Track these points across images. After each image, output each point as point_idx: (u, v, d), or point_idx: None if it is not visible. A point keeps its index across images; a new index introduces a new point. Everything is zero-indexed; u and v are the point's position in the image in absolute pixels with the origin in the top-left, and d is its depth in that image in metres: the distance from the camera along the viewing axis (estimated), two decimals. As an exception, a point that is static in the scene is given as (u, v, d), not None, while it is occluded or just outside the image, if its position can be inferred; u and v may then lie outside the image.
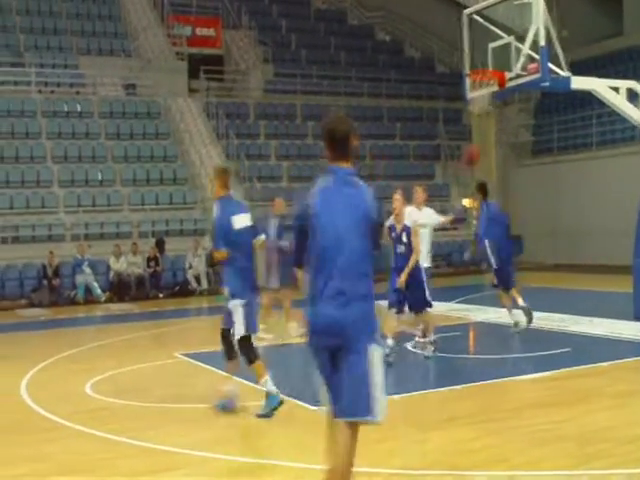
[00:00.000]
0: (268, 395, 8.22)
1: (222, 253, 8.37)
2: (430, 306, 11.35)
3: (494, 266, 13.21)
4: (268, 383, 8.23)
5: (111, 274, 22.41)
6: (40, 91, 27.16)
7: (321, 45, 34.35)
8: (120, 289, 22.37)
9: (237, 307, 8.23)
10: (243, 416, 8.39)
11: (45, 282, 21.67)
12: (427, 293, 11.22)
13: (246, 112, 29.77)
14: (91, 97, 27.55)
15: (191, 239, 23.47)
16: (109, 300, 21.90)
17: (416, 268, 11.03)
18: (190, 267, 23.16)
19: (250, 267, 8.53)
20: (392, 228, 11.09)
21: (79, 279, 21.91)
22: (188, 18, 32.39)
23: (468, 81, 15.17)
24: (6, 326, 17.85)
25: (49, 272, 21.64)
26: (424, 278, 11.25)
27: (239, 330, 8.23)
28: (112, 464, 6.93)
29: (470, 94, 15.34)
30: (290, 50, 33.77)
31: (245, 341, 8.28)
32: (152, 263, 22.87)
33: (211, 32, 32.81)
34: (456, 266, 26.26)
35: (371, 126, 30.26)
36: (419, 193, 12.47)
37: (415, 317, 11.56)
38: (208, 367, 11.10)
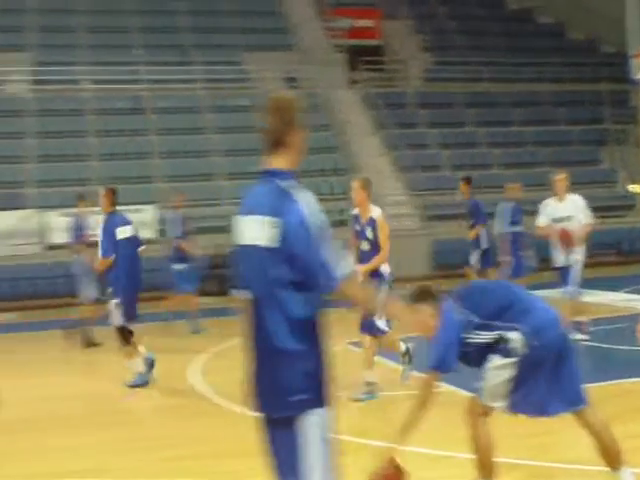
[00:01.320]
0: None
1: (108, 260, 10.38)
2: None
3: None
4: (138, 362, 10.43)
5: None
6: (206, 88, 28.10)
7: (480, 31, 33.88)
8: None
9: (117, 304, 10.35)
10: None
11: (214, 272, 22.40)
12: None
13: (406, 102, 29.77)
14: (254, 91, 28.25)
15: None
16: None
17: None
18: (352, 257, 23.42)
19: (131, 272, 10.49)
20: (356, 219, 9.41)
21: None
22: (347, 10, 32.67)
23: (634, 62, 14.70)
24: (177, 314, 18.56)
25: (217, 262, 22.36)
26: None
27: (117, 321, 10.36)
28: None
29: (636, 75, 14.86)
30: (449, 38, 33.48)
31: (121, 330, 10.43)
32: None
33: (370, 23, 32.96)
34: (625, 254, 25.40)
35: (533, 112, 29.67)
36: (559, 182, 12.07)
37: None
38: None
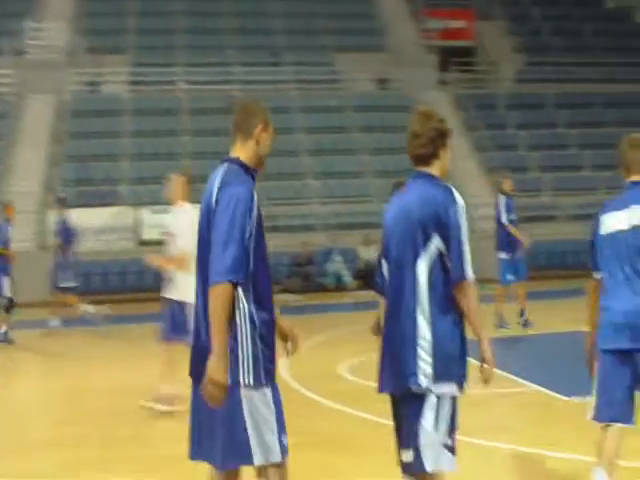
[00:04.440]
0: None
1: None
2: None
3: None
4: None
5: (359, 262, 23.13)
6: (297, 89, 28.45)
7: (575, 31, 33.37)
8: (369, 277, 22.90)
9: None
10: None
11: (298, 269, 22.72)
12: None
13: (496, 103, 29.55)
14: (345, 92, 28.46)
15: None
16: (358, 287, 22.55)
17: None
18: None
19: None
20: None
21: (330, 267, 22.79)
22: (440, 11, 32.60)
23: None
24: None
25: (301, 260, 22.68)
26: None
27: None
28: (372, 444, 7.18)
29: None
30: (542, 39, 33.08)
31: None
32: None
33: (462, 24, 32.82)
34: None
35: (628, 113, 29.09)
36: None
37: None
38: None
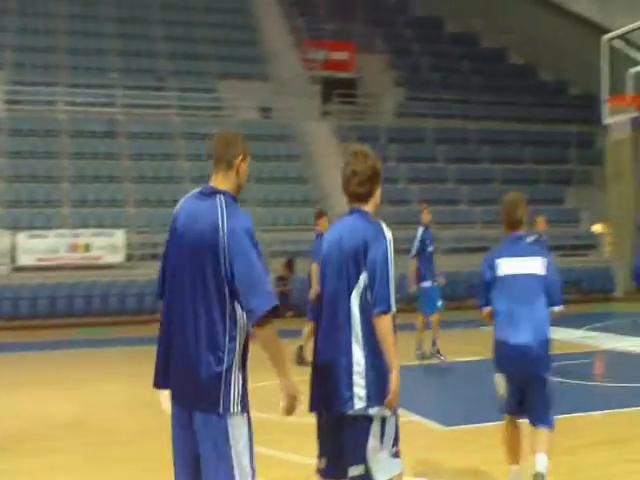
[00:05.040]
0: None
1: None
2: None
3: None
4: None
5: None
6: (180, 114, 28.32)
7: (453, 68, 34.49)
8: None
9: None
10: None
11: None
12: None
13: (377, 135, 30.12)
14: (228, 120, 28.48)
15: (321, 259, 23.85)
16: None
17: None
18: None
19: None
20: None
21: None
22: (323, 43, 33.08)
23: (606, 107, 15.10)
24: (143, 339, 18.62)
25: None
26: None
27: None
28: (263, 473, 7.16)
29: (608, 120, 15.28)
30: (422, 74, 34.04)
31: None
32: (282, 283, 23.44)
33: (345, 56, 33.38)
34: (586, 292, 25.83)
35: (501, 150, 30.19)
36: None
37: None
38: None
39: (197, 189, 4.41)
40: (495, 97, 32.17)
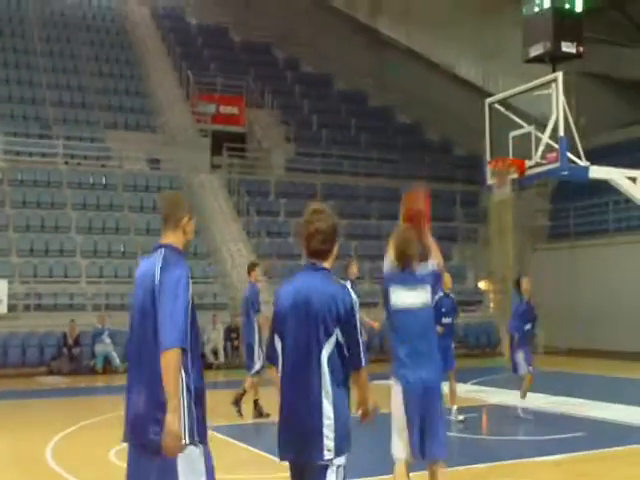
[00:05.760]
0: None
1: None
2: None
3: None
4: None
5: (130, 345, 22.61)
6: (67, 163, 27.83)
7: (342, 125, 35.06)
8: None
9: None
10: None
11: (65, 350, 21.92)
12: None
13: (267, 190, 30.26)
14: (116, 170, 28.15)
15: (210, 313, 23.66)
16: (127, 370, 22.03)
17: None
18: (208, 341, 23.36)
19: None
20: None
21: (99, 349, 22.13)
22: (213, 96, 33.16)
23: (489, 168, 15.57)
24: (27, 393, 18.06)
25: (69, 341, 21.90)
26: None
27: None
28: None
29: (490, 181, 15.75)
30: (312, 130, 34.47)
31: None
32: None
33: (235, 110, 33.52)
34: (472, 347, 26.35)
35: (389, 207, 30.65)
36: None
37: None
38: (228, 439, 11.29)
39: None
40: (383, 154, 32.81)
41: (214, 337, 23.34)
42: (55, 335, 22.24)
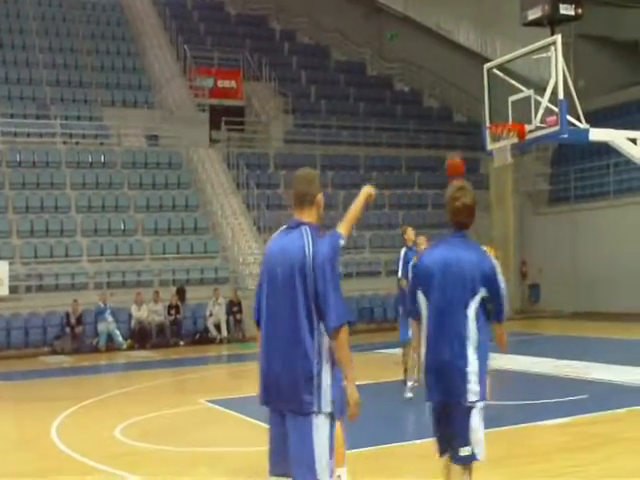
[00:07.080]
0: None
1: None
2: None
3: None
4: None
5: (132, 322, 22.69)
6: (65, 142, 27.70)
7: (340, 96, 34.87)
8: (141, 337, 22.63)
9: None
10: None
11: (68, 330, 21.93)
12: None
13: (266, 162, 30.16)
14: (115, 148, 28.03)
15: (211, 288, 23.67)
16: (130, 348, 22.13)
17: None
18: (210, 315, 23.38)
19: None
20: None
21: (101, 327, 22.15)
22: (210, 70, 32.94)
23: (488, 134, 15.44)
24: (31, 373, 18.08)
25: (72, 320, 21.90)
26: None
27: None
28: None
29: (490, 146, 15.62)
30: (310, 101, 34.29)
31: None
32: (173, 311, 23.12)
33: (232, 84, 33.29)
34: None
35: (389, 175, 30.59)
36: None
37: None
38: (232, 412, 11.29)
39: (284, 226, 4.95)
40: (382, 123, 32.62)
41: (216, 311, 23.33)
42: (57, 315, 22.25)
